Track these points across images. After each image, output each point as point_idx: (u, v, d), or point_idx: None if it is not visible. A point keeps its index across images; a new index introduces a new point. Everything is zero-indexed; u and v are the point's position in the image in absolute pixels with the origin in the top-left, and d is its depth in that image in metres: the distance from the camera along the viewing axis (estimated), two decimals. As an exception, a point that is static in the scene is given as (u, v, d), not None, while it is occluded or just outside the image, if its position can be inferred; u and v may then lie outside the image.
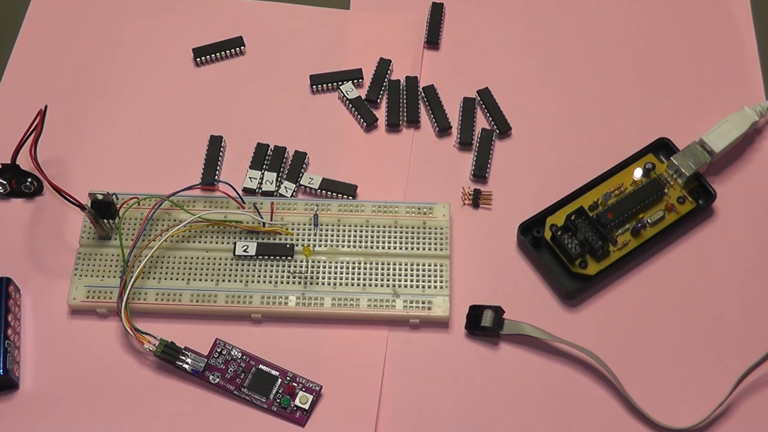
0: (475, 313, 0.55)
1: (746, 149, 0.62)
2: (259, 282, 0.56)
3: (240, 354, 0.54)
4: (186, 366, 0.53)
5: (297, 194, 0.60)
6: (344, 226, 0.58)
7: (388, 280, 0.56)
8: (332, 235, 0.57)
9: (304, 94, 0.64)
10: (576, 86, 0.65)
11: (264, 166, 0.61)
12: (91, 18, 0.67)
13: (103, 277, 0.56)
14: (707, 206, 0.59)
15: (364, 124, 0.63)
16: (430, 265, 0.56)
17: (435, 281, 0.56)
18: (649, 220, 0.57)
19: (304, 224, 0.58)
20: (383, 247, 0.57)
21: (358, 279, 0.56)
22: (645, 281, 0.57)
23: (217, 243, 0.57)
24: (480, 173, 0.61)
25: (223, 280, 0.56)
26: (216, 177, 0.60)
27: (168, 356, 0.53)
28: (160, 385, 0.54)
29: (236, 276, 0.56)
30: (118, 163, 0.61)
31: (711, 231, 0.59)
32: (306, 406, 0.53)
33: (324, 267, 0.56)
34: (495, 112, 0.63)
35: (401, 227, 0.58)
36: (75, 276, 0.56)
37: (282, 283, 0.56)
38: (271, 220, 0.58)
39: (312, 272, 0.56)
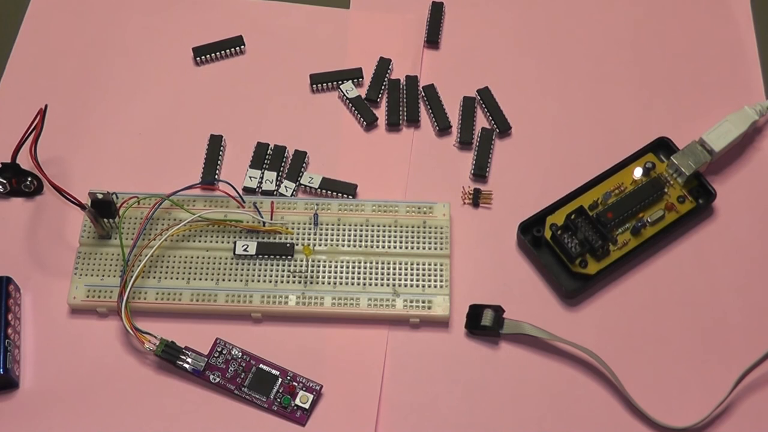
0: (475, 312, 0.55)
1: (746, 149, 0.62)
2: (259, 281, 0.56)
3: (240, 353, 0.54)
4: (186, 365, 0.53)
5: (297, 193, 0.60)
6: (344, 225, 0.58)
7: (388, 280, 0.56)
8: (332, 235, 0.57)
9: (304, 93, 0.64)
10: (576, 86, 0.65)
11: (264, 166, 0.61)
12: (91, 18, 0.67)
13: (103, 276, 0.56)
14: (707, 205, 0.59)
15: (364, 123, 0.63)
16: (430, 265, 0.56)
17: (435, 280, 0.56)
18: (649, 220, 0.57)
19: (304, 223, 0.58)
20: (383, 247, 0.57)
21: (358, 278, 0.56)
22: (645, 281, 0.57)
23: (217, 242, 0.57)
24: (480, 172, 0.61)
25: (223, 280, 0.56)
26: (216, 176, 0.60)
27: (168, 356, 0.53)
28: (160, 385, 0.54)
29: (236, 275, 0.56)
30: (118, 163, 0.61)
31: (711, 230, 0.59)
32: (306, 406, 0.53)
33: (324, 266, 0.56)
34: (495, 111, 0.63)
35: (401, 226, 0.58)
36: (75, 275, 0.56)
37: (282, 282, 0.56)
38: (271, 219, 0.58)
39: (312, 271, 0.56)
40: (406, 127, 0.63)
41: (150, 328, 0.54)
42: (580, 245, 0.56)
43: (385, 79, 0.64)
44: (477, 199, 0.60)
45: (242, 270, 0.56)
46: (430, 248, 0.57)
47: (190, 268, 0.56)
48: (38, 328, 0.55)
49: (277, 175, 0.60)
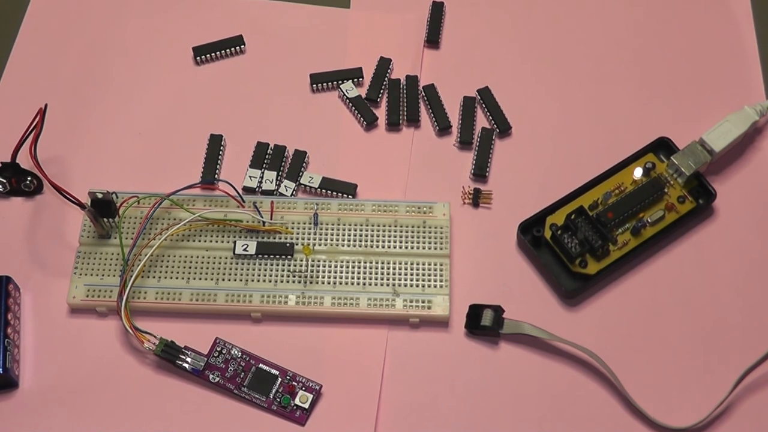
0: (474, 312, 0.55)
1: (746, 149, 0.62)
2: (258, 281, 0.56)
3: (240, 353, 0.54)
4: (186, 365, 0.53)
5: (297, 193, 0.60)
6: (344, 225, 0.58)
7: (387, 280, 0.56)
8: (332, 234, 0.57)
9: (304, 92, 0.64)
10: (576, 86, 0.65)
11: (264, 165, 0.61)
12: (91, 17, 0.67)
13: (102, 275, 0.56)
14: (707, 206, 0.59)
15: (364, 123, 0.63)
16: (429, 265, 0.56)
17: (435, 280, 0.56)
18: (649, 220, 0.57)
19: (304, 223, 0.58)
20: (383, 246, 0.57)
21: (358, 278, 0.56)
22: (645, 281, 0.57)
23: (216, 242, 0.57)
24: (480, 172, 0.61)
25: (223, 279, 0.56)
26: (216, 176, 0.60)
27: (168, 355, 0.53)
28: (159, 385, 0.53)
29: (236, 275, 0.56)
30: (118, 162, 0.61)
31: (711, 230, 0.59)
32: (306, 405, 0.53)
33: (324, 266, 0.56)
34: (495, 111, 0.63)
35: (401, 226, 0.58)
36: (75, 275, 0.56)
37: (282, 282, 0.56)
38: (271, 219, 0.58)
39: (312, 271, 0.56)
40: (406, 127, 0.63)
41: (149, 327, 0.54)
42: (580, 245, 0.56)
43: (385, 78, 0.64)
44: (477, 199, 0.60)
45: (242, 270, 0.56)
46: (429, 248, 0.57)
47: (190, 267, 0.56)
48: (38, 328, 0.55)
49: (277, 175, 0.60)
